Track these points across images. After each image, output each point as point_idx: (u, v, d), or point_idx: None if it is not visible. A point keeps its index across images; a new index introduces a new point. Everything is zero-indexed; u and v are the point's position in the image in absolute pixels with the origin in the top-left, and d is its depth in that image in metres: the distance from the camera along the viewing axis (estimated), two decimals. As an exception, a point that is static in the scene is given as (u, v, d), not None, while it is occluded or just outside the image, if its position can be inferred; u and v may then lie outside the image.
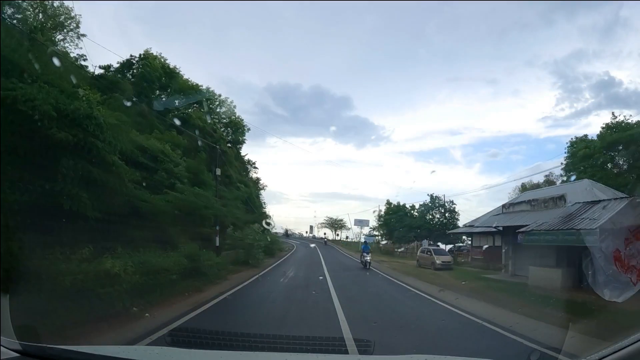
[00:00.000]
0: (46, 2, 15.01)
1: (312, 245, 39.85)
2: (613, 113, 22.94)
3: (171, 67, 19.98)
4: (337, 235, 55.77)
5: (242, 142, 27.09)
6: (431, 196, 33.63)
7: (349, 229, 51.92)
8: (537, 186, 26.66)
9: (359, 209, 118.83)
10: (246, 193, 21.25)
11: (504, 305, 7.81)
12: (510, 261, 15.67)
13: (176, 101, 18.79)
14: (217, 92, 25.74)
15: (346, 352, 2.40)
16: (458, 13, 55.98)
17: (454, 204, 32.82)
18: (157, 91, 18.82)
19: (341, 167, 71.37)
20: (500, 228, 16.40)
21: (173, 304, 6.60)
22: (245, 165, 28.37)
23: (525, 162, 59.83)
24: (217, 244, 14.83)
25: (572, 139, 24.56)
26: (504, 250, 16.46)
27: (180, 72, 20.68)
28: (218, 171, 16.49)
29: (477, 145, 62.31)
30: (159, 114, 16.29)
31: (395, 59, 61.68)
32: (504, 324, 5.58)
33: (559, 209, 13.15)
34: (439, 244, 27.69)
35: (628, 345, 1.59)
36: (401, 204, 37.06)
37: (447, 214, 32.48)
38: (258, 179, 31.37)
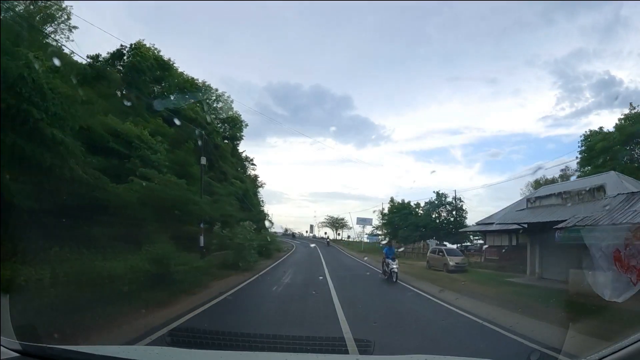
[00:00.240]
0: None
1: (312, 245, 40.13)
2: (631, 104, 23.07)
3: (165, 59, 20.03)
4: (339, 234, 56.36)
5: (240, 138, 27.48)
6: (437, 193, 33.56)
7: (351, 228, 52.57)
8: (552, 181, 26.76)
9: (359, 208, 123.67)
10: (241, 189, 21.01)
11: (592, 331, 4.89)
12: (537, 262, 14.80)
13: (170, 96, 18.80)
14: (215, 89, 25.82)
15: (346, 352, 2.52)
16: (458, 13, 57.67)
17: (462, 201, 32.60)
18: (150, 83, 18.87)
19: (341, 166, 74.94)
20: (525, 225, 15.54)
21: (103, 331, 4.49)
22: (242, 162, 28.69)
23: (525, 161, 61.74)
24: (202, 244, 14.02)
25: (585, 132, 24.88)
26: (529, 250, 15.53)
27: (175, 65, 20.79)
28: (203, 160, 15.74)
29: (478, 144, 64.17)
30: (148, 105, 16.33)
31: (395, 58, 63.61)
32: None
33: (597, 202, 12.24)
34: (446, 243, 27.78)
35: (628, 345, 1.68)
36: (405, 201, 37.30)
37: (454, 212, 32.49)
38: (256, 176, 31.59)
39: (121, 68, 18.48)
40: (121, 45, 18.59)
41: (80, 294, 5.36)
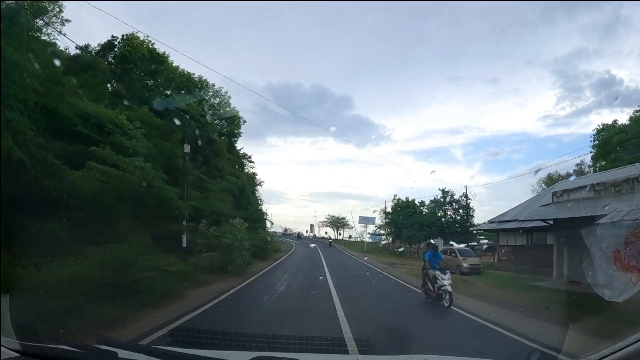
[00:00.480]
0: None
1: (313, 245, 40.32)
2: None
3: (160, 52, 20.13)
4: (340, 234, 56.84)
5: (238, 135, 27.85)
6: (442, 190, 33.63)
7: (352, 227, 53.06)
8: (567, 177, 26.89)
9: (359, 208, 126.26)
10: (236, 185, 20.80)
11: None
12: (565, 264, 13.83)
13: (166, 91, 18.87)
14: (212, 84, 25.92)
15: (346, 351, 2.63)
16: (458, 12, 59.84)
17: (469, 198, 32.55)
18: (143, 76, 18.95)
19: (341, 166, 76.91)
20: (551, 222, 14.72)
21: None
22: (240, 160, 28.99)
23: (525, 161, 64.61)
24: (185, 244, 13.14)
25: (598, 126, 25.12)
26: (555, 250, 14.73)
27: (170, 60, 20.86)
28: (186, 148, 14.87)
29: (478, 144, 67.34)
30: (141, 99, 16.36)
31: (395, 58, 66.51)
32: None
33: (637, 194, 11.38)
34: (452, 243, 27.90)
35: (628, 345, 1.75)
36: (410, 199, 37.43)
37: (460, 210, 32.53)
38: (254, 174, 31.81)
39: (112, 60, 18.61)
40: (112, 37, 18.77)
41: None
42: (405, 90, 70.50)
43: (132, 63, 17.95)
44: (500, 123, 66.10)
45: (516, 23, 58.57)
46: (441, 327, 7.62)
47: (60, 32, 16.11)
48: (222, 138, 24.16)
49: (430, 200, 34.64)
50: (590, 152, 24.76)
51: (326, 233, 59.39)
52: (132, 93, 16.37)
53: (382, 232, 42.78)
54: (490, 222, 23.10)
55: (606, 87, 44.13)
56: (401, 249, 32.46)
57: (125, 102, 15.11)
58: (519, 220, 17.32)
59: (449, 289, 9.08)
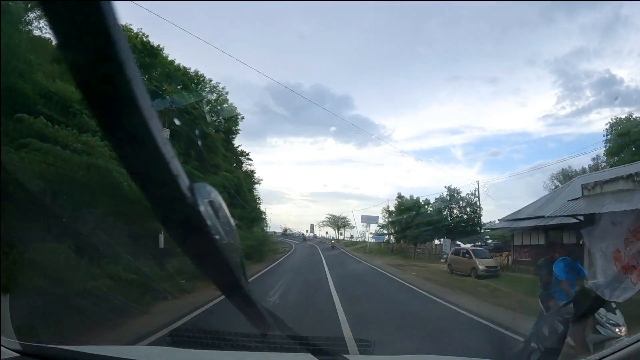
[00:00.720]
0: None
1: (313, 245, 40.47)
2: None
3: (154, 45, 20.23)
4: (341, 234, 57.30)
5: (235, 132, 28.18)
6: (448, 188, 33.97)
7: (353, 227, 53.68)
8: (582, 172, 27.05)
9: (360, 208, 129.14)
10: (228, 180, 20.54)
11: None
12: (599, 264, 13.46)
13: (157, 83, 18.89)
14: (209, 79, 26.30)
15: (346, 351, 2.73)
16: (458, 12, 62.94)
17: (476, 196, 32.83)
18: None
19: (341, 166, 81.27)
20: (581, 218, 13.95)
21: None
22: (238, 157, 29.28)
23: (526, 160, 68.01)
24: (162, 245, 12.08)
25: (611, 120, 25.44)
26: (588, 249, 12.74)
27: (164, 52, 20.96)
28: (165, 132, 15.02)
29: (478, 144, 71.60)
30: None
31: (395, 58, 70.58)
32: None
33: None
34: (459, 243, 28.04)
35: (628, 345, 1.80)
36: (414, 197, 37.60)
37: (468, 208, 32.71)
38: (252, 172, 32.05)
39: None
40: None
41: None
42: (406, 90, 74.88)
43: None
44: (500, 123, 69.54)
45: (516, 23, 62.50)
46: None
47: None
48: (217, 133, 24.27)
49: (436, 199, 34.97)
50: (606, 146, 25.03)
51: (327, 233, 60.17)
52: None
53: (385, 231, 43.14)
54: (504, 220, 22.71)
55: (606, 87, 46.25)
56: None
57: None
58: (549, 216, 16.07)
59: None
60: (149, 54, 19.71)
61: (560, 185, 28.63)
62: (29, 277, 5.34)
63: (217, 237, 0.68)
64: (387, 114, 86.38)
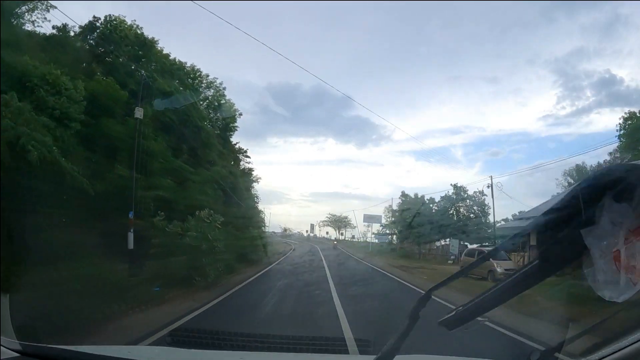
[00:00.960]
0: None
1: (313, 245, 40.59)
2: None
3: (148, 37, 20.41)
4: (342, 234, 57.82)
5: (233, 129, 28.31)
6: (455, 186, 34.14)
7: (354, 227, 54.17)
8: (599, 167, 27.13)
9: (360, 208, 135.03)
10: (222, 176, 20.33)
11: None
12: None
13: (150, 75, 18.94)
14: (206, 75, 26.30)
15: (346, 352, 2.83)
16: (459, 12, 64.85)
17: (484, 194, 32.66)
18: (128, 60, 19.14)
19: (342, 166, 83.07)
20: None
21: None
22: (236, 155, 29.51)
23: (526, 160, 71.26)
24: (132, 245, 10.98)
25: (625, 114, 25.84)
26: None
27: (158, 45, 21.11)
28: (138, 112, 13.14)
29: (478, 144, 72.89)
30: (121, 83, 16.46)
31: (396, 58, 71.38)
32: None
33: None
34: (466, 243, 28.15)
35: (628, 345, 1.85)
36: (419, 195, 37.79)
37: (476, 207, 32.87)
38: (250, 170, 32.20)
39: (92, 43, 18.92)
40: (94, 17, 19.04)
41: None
42: (406, 90, 76.68)
43: (113, 44, 18.08)
44: (500, 122, 71.76)
45: (516, 23, 64.12)
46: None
47: (45, 18, 16.46)
48: (212, 128, 24.39)
49: (441, 197, 35.14)
50: (619, 140, 25.32)
51: (327, 233, 60.51)
52: (113, 75, 16.42)
53: (388, 231, 43.36)
54: (516, 218, 22.63)
55: (607, 87, 47.62)
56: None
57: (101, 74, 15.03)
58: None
59: None
60: (142, 46, 19.91)
61: (573, 182, 28.71)
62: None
63: None
64: (388, 114, 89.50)
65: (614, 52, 55.84)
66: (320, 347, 2.74)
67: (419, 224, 34.22)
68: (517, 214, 30.68)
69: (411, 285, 15.03)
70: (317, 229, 64.04)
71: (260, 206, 34.78)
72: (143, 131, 13.79)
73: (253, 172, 32.75)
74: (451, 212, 33.99)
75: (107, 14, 19.60)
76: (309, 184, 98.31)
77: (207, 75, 25.94)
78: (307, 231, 66.02)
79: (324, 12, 67.23)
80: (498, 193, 30.42)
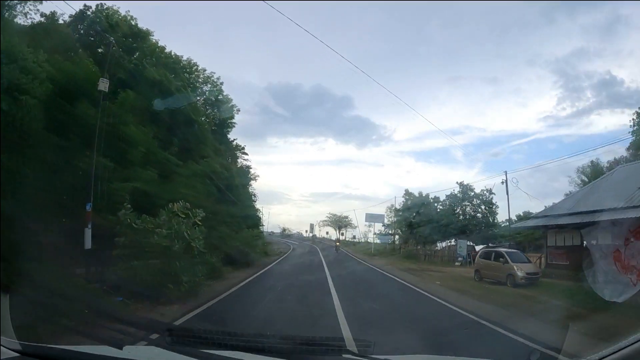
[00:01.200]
0: None
1: (313, 245, 40.50)
2: None
3: (142, 28, 20.54)
4: (342, 234, 58.13)
5: (231, 125, 28.55)
6: (460, 184, 34.33)
7: (355, 227, 54.68)
8: (615, 163, 27.17)
9: (360, 208, 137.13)
10: (213, 169, 19.93)
11: None
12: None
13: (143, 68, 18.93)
14: (203, 69, 26.54)
15: (346, 352, 2.91)
16: (459, 12, 67.66)
17: (493, 193, 32.83)
18: (119, 50, 19.22)
19: (342, 167, 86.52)
20: None
21: None
22: (233, 152, 29.70)
23: (526, 161, 73.73)
24: (89, 244, 9.99)
25: (638, 109, 26.23)
26: None
27: (153, 37, 21.20)
28: (102, 84, 12.31)
29: (478, 144, 74.10)
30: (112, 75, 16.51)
31: (396, 58, 74.55)
32: None
33: None
34: (471, 244, 28.26)
35: (628, 346, 2.04)
36: (424, 194, 37.95)
37: (483, 206, 32.96)
38: (248, 167, 32.36)
39: (82, 32, 19.12)
40: (85, 6, 19.20)
41: None
42: (406, 90, 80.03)
43: (104, 31, 18.09)
44: (500, 123, 74.20)
45: (516, 23, 65.92)
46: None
47: (38, 10, 16.74)
48: (208, 123, 24.59)
49: (447, 195, 35.28)
50: (634, 137, 25.77)
51: (327, 233, 60.86)
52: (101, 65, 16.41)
53: (390, 231, 43.56)
54: (538, 216, 21.38)
55: (607, 87, 49.93)
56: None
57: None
58: (617, 209, 13.58)
59: None
60: (135, 37, 19.98)
61: (587, 179, 28.81)
62: None
63: None
64: (388, 115, 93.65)
65: (614, 52, 57.54)
66: (320, 347, 2.85)
67: (423, 222, 34.31)
68: (522, 214, 31.24)
69: (422, 291, 13.90)
70: (317, 229, 65.01)
71: (259, 205, 35.18)
72: (123, 118, 13.25)
73: (250, 170, 32.90)
74: (458, 210, 33.99)
75: (100, 2, 19.73)
76: (309, 184, 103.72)
77: (204, 70, 26.07)
78: (307, 231, 67.38)
79: (323, 12, 68.27)
80: (508, 191, 30.25)
